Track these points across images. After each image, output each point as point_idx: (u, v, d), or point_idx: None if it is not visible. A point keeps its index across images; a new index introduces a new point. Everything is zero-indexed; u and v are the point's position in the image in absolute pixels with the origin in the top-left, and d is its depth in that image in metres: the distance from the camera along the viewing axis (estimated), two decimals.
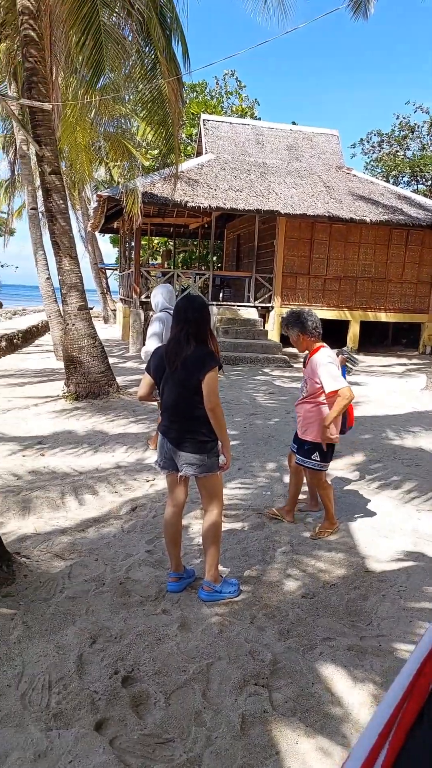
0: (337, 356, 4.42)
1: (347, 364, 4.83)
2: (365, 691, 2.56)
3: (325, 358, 4.10)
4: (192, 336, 3.25)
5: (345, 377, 4.79)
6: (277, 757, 2.19)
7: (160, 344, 6.18)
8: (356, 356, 5.16)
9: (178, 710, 2.43)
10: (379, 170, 31.16)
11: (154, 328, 6.16)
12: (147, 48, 9.41)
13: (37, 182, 13.04)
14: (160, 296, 6.28)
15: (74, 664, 2.70)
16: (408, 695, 0.70)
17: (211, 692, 2.54)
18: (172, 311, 6.34)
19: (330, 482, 4.68)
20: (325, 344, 4.24)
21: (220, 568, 3.73)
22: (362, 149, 32.81)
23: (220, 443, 3.33)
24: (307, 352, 4.28)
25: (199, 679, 2.62)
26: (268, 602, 3.32)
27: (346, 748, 2.24)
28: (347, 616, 3.18)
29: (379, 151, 32.16)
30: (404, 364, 15.80)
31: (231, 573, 3.66)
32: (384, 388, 11.43)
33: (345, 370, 4.71)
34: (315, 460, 4.19)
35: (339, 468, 5.94)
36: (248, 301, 17.09)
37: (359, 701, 2.50)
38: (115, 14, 8.97)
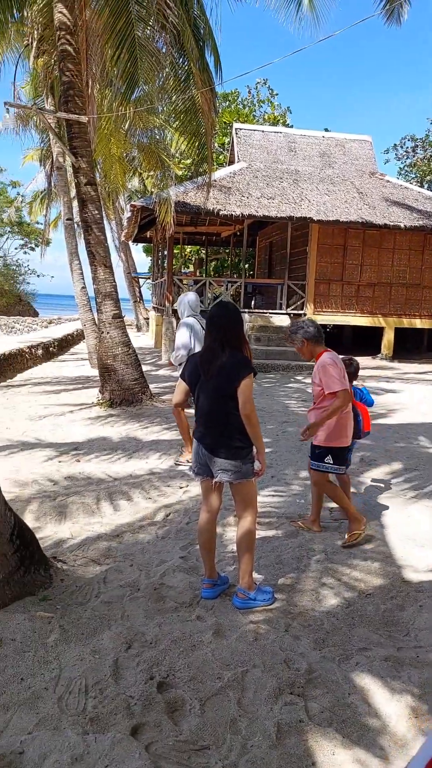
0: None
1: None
2: (403, 703, 2.51)
3: (328, 360, 4.10)
4: (226, 343, 3.26)
5: (370, 397, 4.77)
6: (313, 767, 2.16)
7: (189, 347, 6.30)
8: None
9: (213, 717, 2.42)
10: (413, 175, 30.83)
11: (181, 332, 6.25)
12: (181, 59, 9.54)
13: (73, 193, 13.30)
14: (186, 303, 6.46)
15: (110, 668, 2.72)
16: None
17: (246, 700, 2.53)
18: (197, 316, 6.46)
19: (341, 481, 4.66)
20: (329, 349, 4.23)
21: (255, 575, 3.72)
22: (396, 155, 32.51)
23: (255, 449, 3.33)
24: (313, 359, 4.28)
25: (234, 686, 2.61)
26: (303, 611, 3.29)
27: (383, 761, 2.20)
28: (384, 627, 3.14)
29: (413, 156, 31.80)
30: None
31: (265, 581, 3.65)
32: (419, 395, 11.25)
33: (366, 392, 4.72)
34: (328, 464, 4.19)
35: (375, 476, 5.87)
36: (280, 309, 17.06)
37: (397, 713, 2.46)
38: (149, 28, 9.12)
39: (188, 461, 6.18)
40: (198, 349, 6.25)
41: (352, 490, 5.42)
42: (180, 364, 6.31)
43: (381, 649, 2.91)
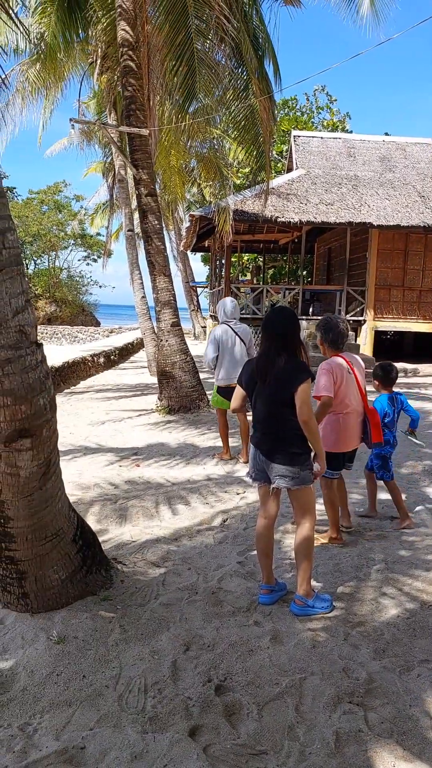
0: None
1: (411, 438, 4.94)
2: None
3: (324, 366, 4.08)
4: (281, 348, 3.26)
5: (411, 408, 4.69)
6: None
7: (216, 354, 6.41)
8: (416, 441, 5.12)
9: (270, 723, 2.42)
10: None
11: (209, 344, 6.53)
12: (239, 69, 9.64)
13: (134, 204, 13.63)
14: (221, 310, 6.59)
15: (169, 669, 2.75)
16: None
17: (305, 707, 2.51)
18: (231, 323, 6.50)
19: (388, 486, 4.75)
20: (341, 355, 4.18)
21: (313, 583, 3.68)
22: None
23: (313, 454, 3.31)
24: None
25: (292, 693, 2.59)
26: (363, 620, 3.24)
27: None
28: None
29: None
30: None
31: (324, 589, 3.61)
32: None
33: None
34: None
35: None
36: (340, 315, 16.85)
37: None
38: (208, 41, 9.27)
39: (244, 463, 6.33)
40: (227, 356, 6.41)
41: (413, 499, 5.30)
42: (214, 367, 6.52)
43: None
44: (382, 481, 4.79)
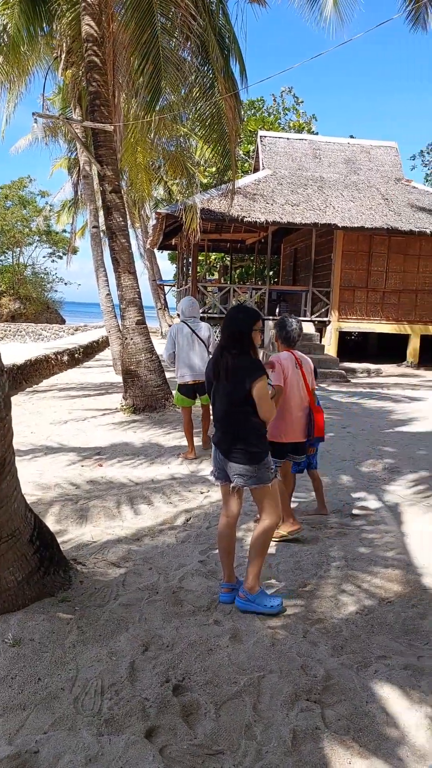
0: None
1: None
2: (422, 713, 2.46)
3: (273, 358, 4.33)
4: (233, 347, 3.25)
5: None
6: None
7: (172, 350, 6.67)
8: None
9: (228, 722, 2.41)
10: None
11: (167, 340, 6.82)
12: (205, 68, 9.62)
13: (99, 201, 13.46)
14: (179, 309, 6.94)
15: (126, 670, 2.72)
16: None
17: (262, 705, 2.51)
18: (189, 322, 6.70)
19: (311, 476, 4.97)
20: (291, 351, 4.42)
21: (273, 581, 3.70)
22: (422, 161, 32.28)
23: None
24: None
25: (250, 691, 2.59)
26: (322, 617, 3.26)
27: None
28: (404, 635, 3.08)
29: None
30: None
31: (285, 586, 3.62)
32: None
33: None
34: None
35: (396, 483, 5.79)
36: (305, 316, 17.00)
37: (416, 723, 2.41)
38: (174, 39, 9.22)
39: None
40: (183, 355, 6.66)
41: (373, 496, 5.37)
42: (171, 363, 6.83)
43: (401, 657, 2.86)
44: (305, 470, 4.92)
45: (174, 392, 6.96)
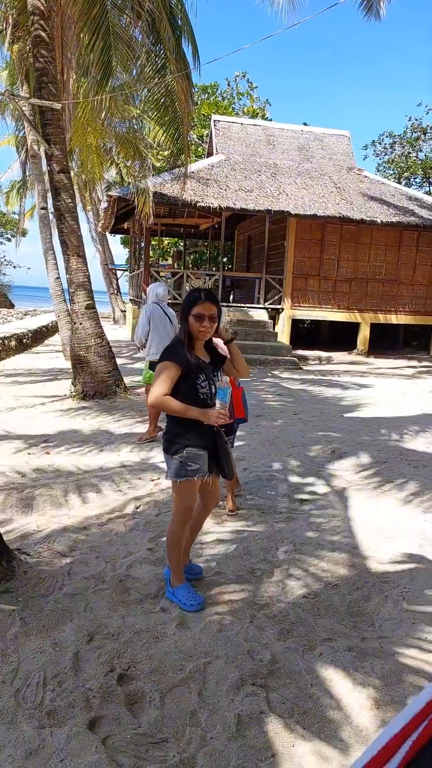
0: None
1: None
2: (365, 694, 2.50)
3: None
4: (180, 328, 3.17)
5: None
6: (272, 759, 2.14)
7: (149, 328, 6.83)
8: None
9: (173, 709, 2.39)
10: (391, 172, 31.01)
11: (141, 316, 7.07)
12: (157, 47, 9.43)
13: (47, 182, 13.09)
14: (152, 293, 7.14)
15: (70, 661, 2.67)
16: None
17: (208, 692, 2.50)
18: (162, 305, 7.00)
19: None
20: None
21: (222, 567, 3.69)
22: (374, 151, 32.66)
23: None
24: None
25: (196, 678, 2.58)
26: (269, 602, 3.27)
27: (344, 752, 2.19)
28: (349, 617, 3.13)
29: (391, 153, 31.99)
30: (414, 367, 15.68)
31: (232, 570, 3.62)
32: (393, 390, 11.34)
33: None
34: None
35: (344, 468, 5.88)
36: (258, 303, 17.05)
37: (359, 704, 2.45)
38: (125, 15, 8.99)
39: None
40: (159, 333, 6.88)
41: (321, 481, 5.44)
42: (142, 346, 7.00)
43: (345, 639, 2.91)
44: None
45: (145, 370, 6.97)
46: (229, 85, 31.76)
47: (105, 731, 2.26)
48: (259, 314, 16.45)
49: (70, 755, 2.13)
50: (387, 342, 19.88)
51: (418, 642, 2.90)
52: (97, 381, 9.06)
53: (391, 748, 0.65)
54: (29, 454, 6.15)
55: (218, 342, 3.34)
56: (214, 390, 3.10)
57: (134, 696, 2.47)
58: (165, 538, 4.07)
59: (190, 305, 3.05)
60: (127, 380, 9.91)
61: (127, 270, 28.04)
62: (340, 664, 2.69)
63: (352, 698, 2.49)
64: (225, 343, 3.33)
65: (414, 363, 16.52)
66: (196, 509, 3.30)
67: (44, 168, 14.54)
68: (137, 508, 4.76)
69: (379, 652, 2.81)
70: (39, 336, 19.54)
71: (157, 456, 6.16)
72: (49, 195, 13.23)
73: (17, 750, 2.15)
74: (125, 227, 22.45)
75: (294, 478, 5.54)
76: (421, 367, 15.72)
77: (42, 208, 14.63)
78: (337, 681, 2.58)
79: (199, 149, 24.90)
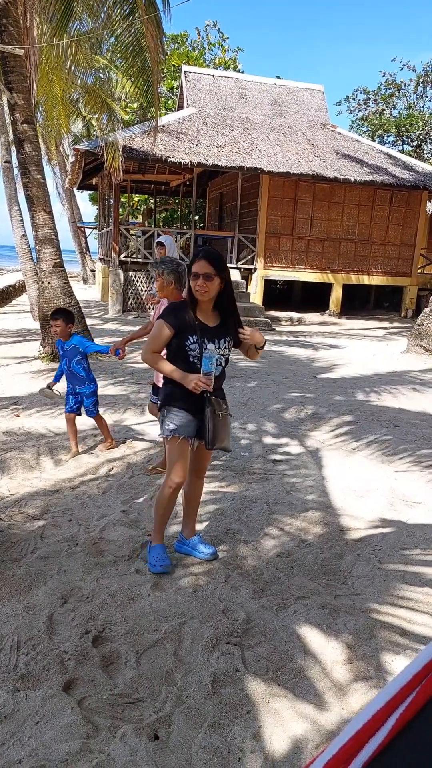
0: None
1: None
2: (338, 650, 2.54)
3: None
4: None
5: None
6: (248, 716, 2.17)
7: None
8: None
9: (148, 670, 2.39)
10: (365, 129, 30.58)
11: None
12: None
13: (11, 134, 12.53)
14: (172, 249, 7.30)
15: (44, 624, 2.64)
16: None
17: (183, 651, 2.51)
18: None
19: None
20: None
21: (199, 526, 3.69)
22: (348, 107, 32.11)
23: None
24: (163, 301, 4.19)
25: (171, 638, 2.58)
26: (243, 561, 3.29)
27: (318, 707, 2.23)
28: (322, 575, 3.17)
29: (365, 110, 31.49)
30: (385, 328, 15.79)
31: (207, 531, 3.62)
32: (365, 351, 11.41)
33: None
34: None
35: (317, 429, 5.91)
36: (231, 263, 16.82)
37: (332, 660, 2.49)
38: None
39: None
40: None
41: (295, 442, 5.46)
42: None
43: (318, 597, 2.94)
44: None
45: (99, 340, 6.81)
46: (199, 34, 30.68)
47: (80, 693, 2.25)
48: (232, 274, 16.24)
49: (46, 717, 2.12)
50: (358, 303, 19.92)
51: (389, 598, 2.95)
52: None
53: (378, 720, 0.62)
54: None
55: (247, 331, 2.98)
56: None
57: (109, 657, 2.46)
58: (139, 500, 4.07)
59: (190, 264, 3.01)
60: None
61: (96, 228, 27.36)
62: (314, 622, 2.72)
63: (326, 654, 2.52)
64: (257, 348, 3.10)
65: (385, 324, 16.62)
66: (185, 476, 3.22)
67: (7, 119, 13.94)
68: (110, 470, 4.72)
69: (352, 609, 2.85)
70: (6, 296, 19.08)
71: (131, 418, 6.10)
72: (13, 147, 12.72)
73: None
74: (94, 183, 21.77)
75: (268, 439, 5.55)
76: (392, 328, 15.82)
77: (6, 162, 14.08)
78: (311, 638, 2.62)
79: (169, 102, 24.12)
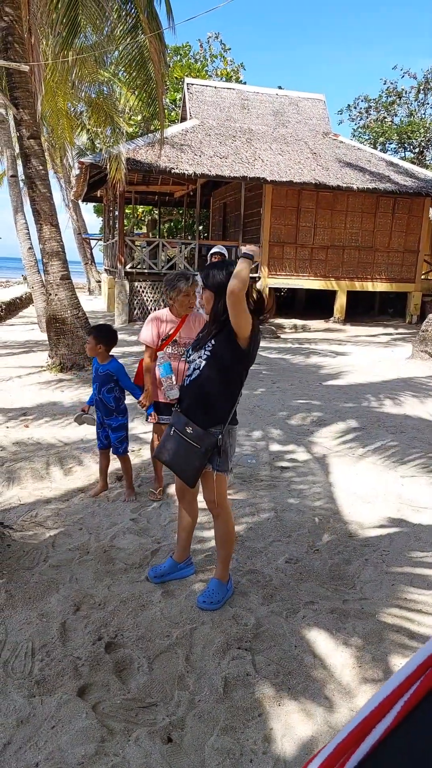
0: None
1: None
2: (347, 653, 2.58)
3: (152, 315, 4.26)
4: None
5: None
6: (259, 719, 2.20)
7: None
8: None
9: (161, 675, 2.44)
10: (367, 137, 30.72)
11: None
12: (128, 6, 9.10)
13: (17, 148, 12.70)
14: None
15: (57, 631, 2.69)
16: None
17: (194, 656, 2.55)
18: None
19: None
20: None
21: (204, 536, 3.74)
22: (349, 115, 32.29)
23: None
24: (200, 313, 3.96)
25: (183, 643, 2.62)
26: (253, 568, 3.33)
27: (328, 709, 2.26)
28: (330, 581, 3.20)
29: (367, 117, 31.65)
30: (390, 334, 15.81)
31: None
32: (370, 357, 11.44)
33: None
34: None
35: (323, 435, 5.95)
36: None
37: (341, 663, 2.52)
38: None
39: None
40: None
41: (302, 449, 5.50)
42: None
43: (327, 602, 2.98)
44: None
45: None
46: (201, 46, 30.95)
47: (95, 698, 2.30)
48: None
49: (61, 722, 2.16)
50: (363, 309, 19.96)
51: (397, 602, 2.98)
52: (74, 352, 8.97)
53: (381, 711, 0.66)
54: (8, 427, 6.10)
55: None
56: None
57: (122, 663, 2.51)
58: (148, 508, 4.11)
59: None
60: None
61: (101, 239, 27.56)
62: (323, 626, 2.76)
63: (335, 658, 2.56)
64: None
65: (390, 330, 16.64)
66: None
67: (13, 133, 14.12)
68: (119, 479, 4.77)
69: (360, 613, 2.89)
70: (13, 308, 19.23)
71: (138, 427, 6.15)
72: (19, 161, 12.88)
73: (8, 719, 2.18)
74: (98, 195, 21.97)
75: (275, 447, 5.59)
76: (397, 334, 15.84)
77: (12, 176, 14.25)
78: (321, 642, 2.65)
79: (172, 114, 24.34)
